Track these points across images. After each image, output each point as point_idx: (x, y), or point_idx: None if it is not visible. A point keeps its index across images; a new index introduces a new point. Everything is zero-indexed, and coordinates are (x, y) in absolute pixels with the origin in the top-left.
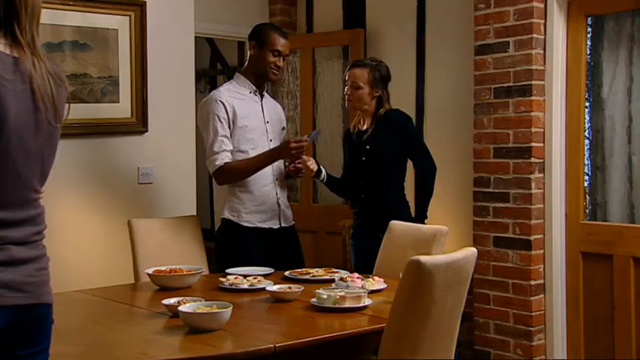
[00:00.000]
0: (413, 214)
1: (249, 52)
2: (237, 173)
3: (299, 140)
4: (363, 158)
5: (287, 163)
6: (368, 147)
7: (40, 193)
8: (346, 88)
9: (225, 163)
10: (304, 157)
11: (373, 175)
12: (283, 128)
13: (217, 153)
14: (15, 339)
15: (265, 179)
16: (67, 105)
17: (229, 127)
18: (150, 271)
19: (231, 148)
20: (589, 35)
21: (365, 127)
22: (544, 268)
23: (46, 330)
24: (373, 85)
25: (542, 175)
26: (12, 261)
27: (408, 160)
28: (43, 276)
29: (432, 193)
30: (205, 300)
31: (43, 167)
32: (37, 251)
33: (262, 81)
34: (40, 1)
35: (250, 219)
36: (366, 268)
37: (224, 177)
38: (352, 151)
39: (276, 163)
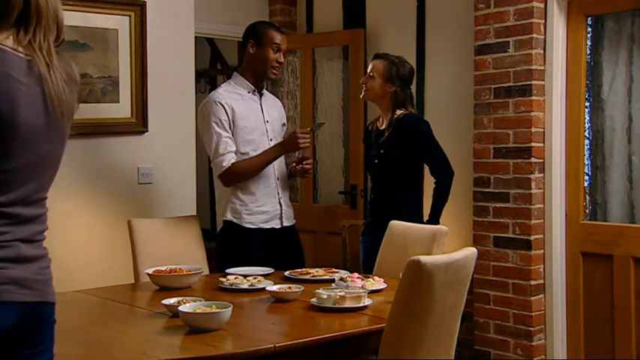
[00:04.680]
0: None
1: (247, 52)
2: (245, 172)
3: (305, 132)
4: (376, 161)
5: (293, 163)
6: (382, 151)
7: (47, 193)
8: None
9: (232, 164)
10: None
11: (384, 177)
12: (284, 124)
13: (223, 155)
14: (21, 338)
15: (267, 180)
16: (77, 103)
17: (230, 128)
18: (150, 271)
19: (235, 148)
20: (589, 35)
21: (383, 126)
22: (544, 268)
23: (50, 329)
24: (387, 79)
25: (542, 175)
26: (20, 258)
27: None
28: (47, 275)
29: (447, 199)
30: (205, 300)
31: (54, 168)
32: (41, 250)
33: (261, 80)
34: (55, 5)
35: (252, 220)
36: (373, 266)
37: (232, 178)
38: (368, 150)
39: (277, 163)
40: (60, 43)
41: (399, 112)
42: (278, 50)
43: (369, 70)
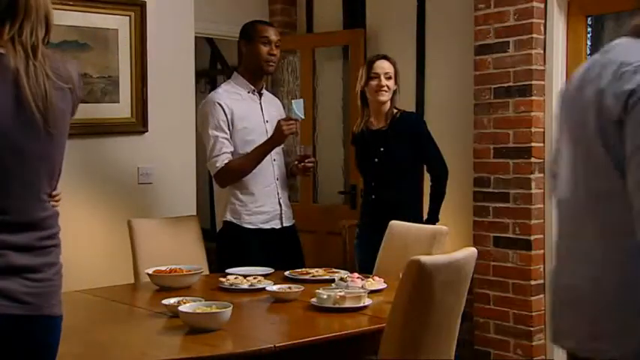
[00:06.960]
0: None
1: (241, 52)
2: (238, 171)
3: (287, 118)
4: (376, 160)
5: (295, 161)
6: (382, 149)
7: (48, 195)
8: (376, 80)
9: (225, 164)
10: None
11: (385, 177)
12: None
13: (217, 155)
14: (11, 352)
15: (267, 180)
16: (72, 107)
17: (229, 129)
18: (150, 271)
19: (232, 149)
20: (589, 35)
21: (379, 126)
22: (544, 268)
23: (48, 346)
24: (396, 80)
25: (542, 175)
26: (9, 268)
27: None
28: (47, 287)
29: (444, 197)
30: (205, 300)
31: (48, 168)
32: (44, 259)
33: (259, 78)
34: (47, 4)
35: (252, 220)
36: (371, 267)
37: (225, 178)
38: (364, 151)
39: (277, 164)
40: (46, 43)
41: (395, 110)
42: (268, 43)
43: (384, 72)
